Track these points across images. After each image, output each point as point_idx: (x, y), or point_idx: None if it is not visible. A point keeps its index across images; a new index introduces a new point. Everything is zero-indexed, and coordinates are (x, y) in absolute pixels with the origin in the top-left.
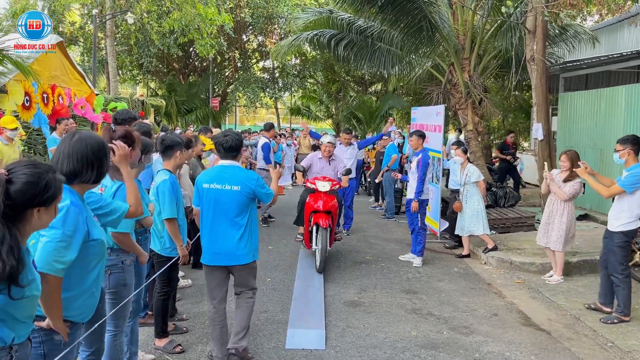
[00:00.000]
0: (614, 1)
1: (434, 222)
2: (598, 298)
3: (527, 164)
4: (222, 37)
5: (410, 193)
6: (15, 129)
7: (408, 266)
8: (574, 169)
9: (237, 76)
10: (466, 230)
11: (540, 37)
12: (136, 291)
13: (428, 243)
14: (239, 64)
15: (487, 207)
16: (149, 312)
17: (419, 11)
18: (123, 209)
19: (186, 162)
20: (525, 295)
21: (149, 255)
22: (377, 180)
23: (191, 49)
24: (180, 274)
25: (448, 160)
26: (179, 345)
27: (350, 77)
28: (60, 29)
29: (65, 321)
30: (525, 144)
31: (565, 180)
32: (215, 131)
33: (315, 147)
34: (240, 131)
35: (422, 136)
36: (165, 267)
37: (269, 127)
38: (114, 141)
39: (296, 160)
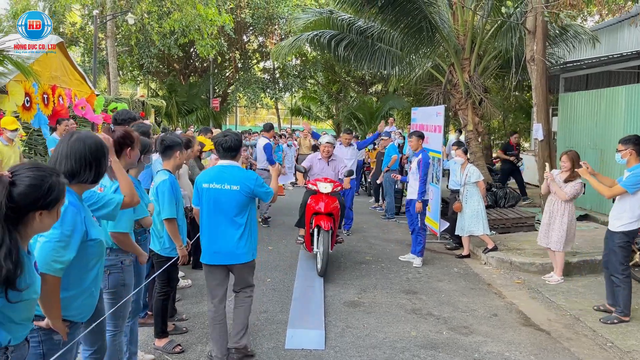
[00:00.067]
0: (614, 1)
1: (434, 222)
2: (606, 299)
3: (527, 164)
4: (222, 38)
5: (410, 194)
6: (16, 129)
7: (408, 266)
8: (575, 169)
9: (237, 77)
10: (466, 231)
11: (540, 38)
12: (135, 290)
13: (428, 243)
14: (239, 65)
15: (487, 207)
16: (149, 312)
17: (419, 12)
18: (117, 200)
19: (185, 162)
20: (525, 296)
21: (148, 256)
22: (378, 182)
23: (192, 49)
24: (181, 274)
25: (448, 160)
26: (179, 345)
27: (350, 77)
28: (61, 30)
29: (65, 321)
30: (526, 145)
31: (566, 181)
32: (216, 132)
33: (315, 148)
34: (240, 132)
35: (421, 137)
36: (165, 267)
37: (268, 127)
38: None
39: (296, 160)
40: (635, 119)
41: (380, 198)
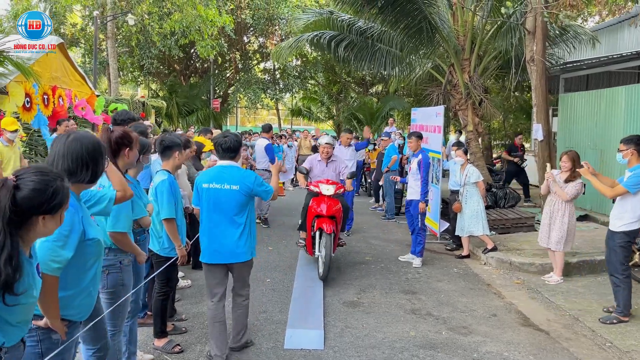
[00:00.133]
0: (614, 1)
1: (434, 222)
2: (614, 300)
3: (527, 165)
4: (223, 39)
5: (410, 194)
6: (16, 130)
7: (408, 267)
8: (577, 170)
9: (238, 77)
10: (466, 231)
11: (540, 38)
12: (133, 290)
13: (428, 244)
14: (239, 65)
15: (487, 207)
16: (148, 313)
17: (419, 12)
18: (110, 196)
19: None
20: (524, 296)
21: (147, 256)
22: (380, 183)
23: (192, 50)
24: (180, 274)
25: (447, 161)
26: (178, 345)
27: (351, 78)
28: (62, 31)
29: (63, 320)
30: (526, 145)
31: (567, 181)
32: (216, 132)
33: (315, 149)
34: (240, 132)
35: (420, 137)
36: (164, 267)
37: (267, 128)
38: None
39: (296, 161)
40: (635, 119)
41: (381, 198)
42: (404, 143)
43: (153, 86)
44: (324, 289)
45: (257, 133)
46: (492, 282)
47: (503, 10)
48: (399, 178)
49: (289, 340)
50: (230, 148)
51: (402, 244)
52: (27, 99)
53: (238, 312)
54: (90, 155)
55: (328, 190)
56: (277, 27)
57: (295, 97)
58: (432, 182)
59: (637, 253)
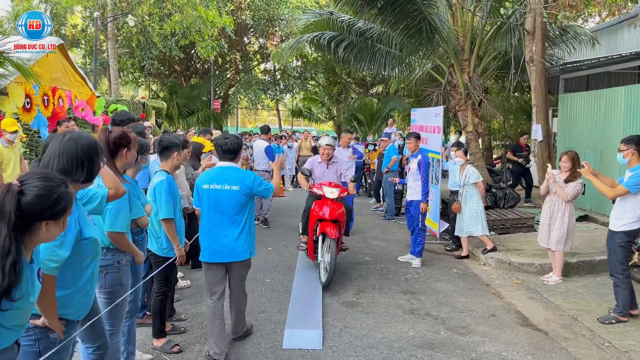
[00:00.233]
0: (614, 1)
1: (434, 223)
2: (615, 300)
3: (532, 165)
4: (223, 40)
5: (410, 195)
6: (15, 131)
7: (407, 267)
8: (577, 170)
9: (238, 78)
10: (465, 231)
11: (539, 39)
12: (131, 290)
13: (427, 244)
14: (240, 66)
15: (486, 208)
16: (147, 313)
17: (419, 13)
18: (102, 194)
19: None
20: (523, 296)
21: (145, 256)
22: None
23: (192, 51)
24: (180, 274)
25: (447, 161)
26: (177, 345)
27: (351, 79)
28: (62, 32)
29: (61, 319)
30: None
31: (567, 181)
32: (216, 133)
33: (316, 150)
34: (240, 133)
35: (418, 138)
36: (162, 267)
37: (266, 129)
38: None
39: (297, 162)
40: (635, 120)
41: (381, 199)
42: (404, 144)
43: (153, 87)
44: (323, 290)
45: (257, 134)
46: (491, 283)
47: (502, 10)
48: (397, 180)
49: (288, 340)
50: (230, 149)
51: (401, 245)
52: (27, 99)
53: (237, 304)
54: (85, 154)
55: (332, 193)
56: (277, 28)
57: (295, 98)
58: (431, 182)
59: (637, 253)
